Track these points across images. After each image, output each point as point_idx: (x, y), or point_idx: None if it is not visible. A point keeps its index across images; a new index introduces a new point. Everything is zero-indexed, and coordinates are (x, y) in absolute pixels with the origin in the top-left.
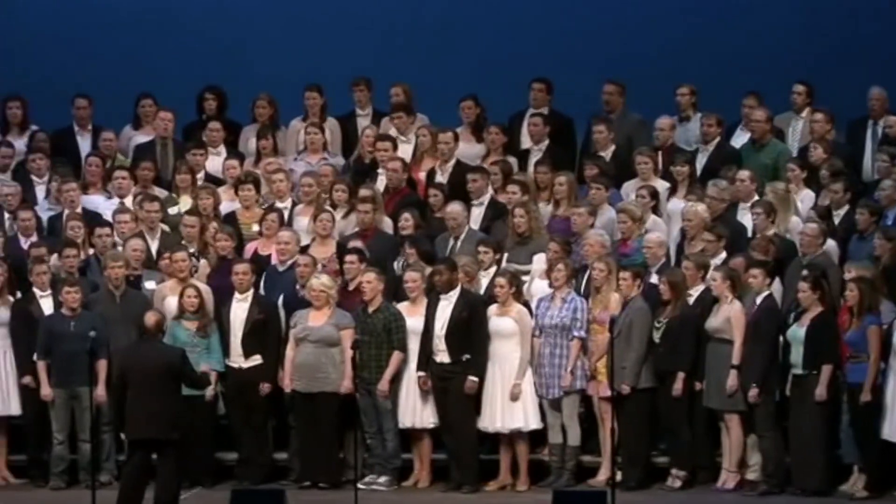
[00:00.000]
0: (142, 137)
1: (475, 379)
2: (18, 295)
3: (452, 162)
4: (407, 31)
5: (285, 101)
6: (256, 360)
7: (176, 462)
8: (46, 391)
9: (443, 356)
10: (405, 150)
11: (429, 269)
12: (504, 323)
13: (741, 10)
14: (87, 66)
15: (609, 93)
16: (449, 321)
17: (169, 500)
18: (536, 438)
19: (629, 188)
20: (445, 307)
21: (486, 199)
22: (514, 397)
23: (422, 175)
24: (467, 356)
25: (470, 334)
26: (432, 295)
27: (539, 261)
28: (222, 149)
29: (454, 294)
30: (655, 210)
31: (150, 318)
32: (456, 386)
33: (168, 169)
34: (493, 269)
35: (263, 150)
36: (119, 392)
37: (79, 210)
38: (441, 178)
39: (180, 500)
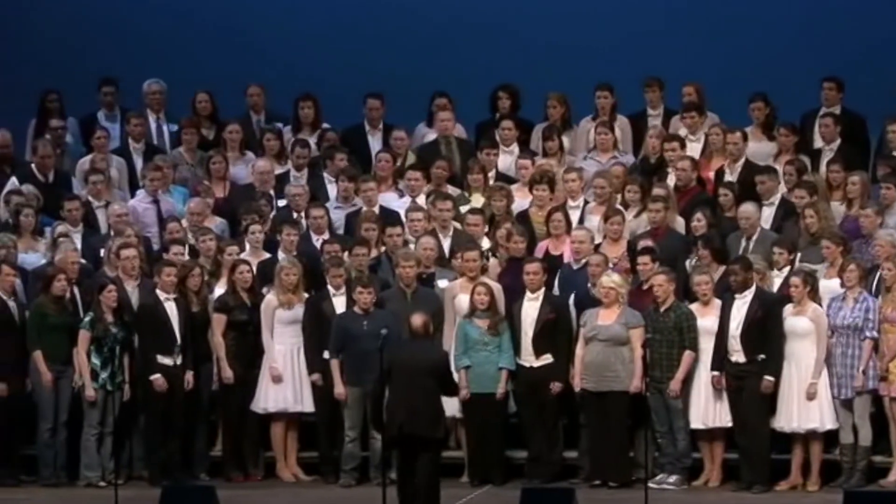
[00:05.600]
0: (434, 136)
1: (771, 378)
2: (311, 292)
3: (742, 161)
4: (699, 29)
5: (576, 100)
6: (547, 358)
7: (438, 460)
8: (340, 390)
9: (738, 356)
10: (693, 150)
11: (719, 270)
12: (800, 323)
13: None
14: (381, 64)
15: None
16: (744, 320)
17: (432, 498)
18: (827, 438)
19: None
20: (741, 306)
21: (776, 198)
22: (810, 397)
23: (711, 174)
24: (762, 356)
25: (765, 334)
26: (727, 294)
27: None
28: (515, 147)
29: (749, 293)
30: None
31: (417, 320)
32: (751, 385)
33: (454, 167)
34: (786, 270)
35: (550, 150)
36: (381, 389)
37: (375, 209)
38: (730, 176)
39: (470, 498)
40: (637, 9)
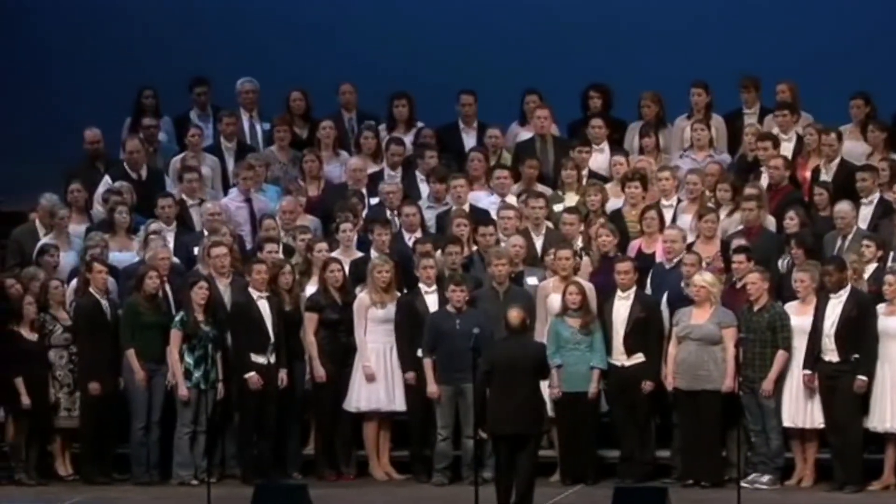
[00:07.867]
0: (527, 134)
1: (864, 378)
2: (404, 290)
3: (837, 161)
4: (793, 28)
5: (671, 98)
6: (639, 357)
7: (536, 456)
8: (433, 388)
9: (831, 355)
10: (786, 148)
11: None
12: (893, 322)
13: None
14: (473, 63)
15: None
16: (839, 320)
17: (528, 493)
18: None
19: None
20: (835, 306)
21: (874, 197)
22: None
23: (808, 174)
24: (856, 355)
25: (859, 333)
26: (822, 293)
27: None
28: (605, 146)
29: (844, 293)
30: None
31: (515, 316)
32: (844, 385)
33: (548, 166)
34: (873, 265)
35: (646, 148)
36: (483, 387)
37: (466, 207)
38: (825, 176)
39: (562, 497)
40: (730, 6)
